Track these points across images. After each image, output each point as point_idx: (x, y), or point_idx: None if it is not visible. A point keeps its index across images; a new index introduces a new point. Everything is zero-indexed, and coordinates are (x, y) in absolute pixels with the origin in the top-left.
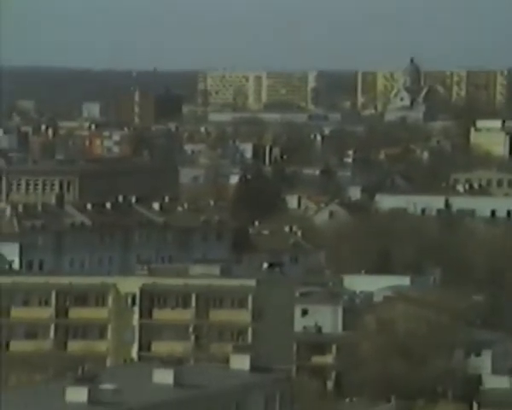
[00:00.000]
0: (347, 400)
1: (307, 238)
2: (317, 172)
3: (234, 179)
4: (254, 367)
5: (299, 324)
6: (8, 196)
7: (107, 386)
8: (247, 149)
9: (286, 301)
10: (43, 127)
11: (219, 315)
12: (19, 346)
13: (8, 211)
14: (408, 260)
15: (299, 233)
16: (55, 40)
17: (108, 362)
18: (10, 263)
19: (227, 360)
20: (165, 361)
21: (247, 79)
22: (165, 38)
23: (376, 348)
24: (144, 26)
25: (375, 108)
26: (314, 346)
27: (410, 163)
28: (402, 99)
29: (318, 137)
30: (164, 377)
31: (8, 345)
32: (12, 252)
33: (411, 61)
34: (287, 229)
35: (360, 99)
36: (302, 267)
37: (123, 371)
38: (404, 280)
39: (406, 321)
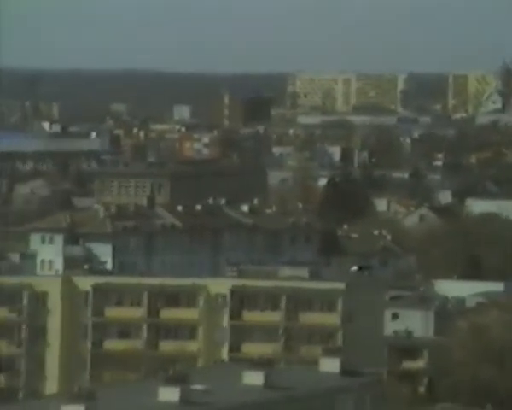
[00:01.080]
0: (439, 406)
1: (397, 242)
2: (407, 176)
3: (322, 182)
4: (344, 370)
5: (390, 328)
6: (100, 197)
7: (198, 386)
8: (336, 152)
9: (376, 305)
10: (135, 130)
11: (309, 318)
12: (112, 345)
13: (102, 212)
14: (499, 265)
15: (389, 237)
16: (148, 43)
17: (199, 363)
18: (104, 264)
19: (316, 363)
20: (256, 363)
21: (336, 82)
22: (256, 40)
23: (470, 353)
24: (235, 27)
25: (466, 111)
26: (405, 350)
27: (501, 167)
28: (494, 102)
29: (408, 140)
30: (254, 378)
31: (101, 344)
32: (105, 253)
33: (504, 63)
34: (376, 232)
35: (451, 102)
36: (392, 271)
37: (213, 371)
38: (498, 286)
39: (500, 328)
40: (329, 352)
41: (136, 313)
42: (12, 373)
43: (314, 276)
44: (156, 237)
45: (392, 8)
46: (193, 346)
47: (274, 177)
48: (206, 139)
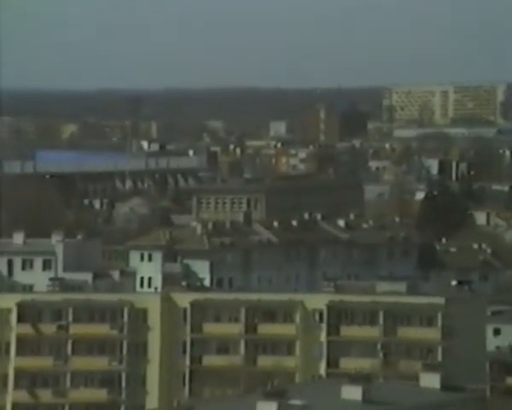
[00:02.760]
0: None
1: (497, 256)
2: (507, 188)
3: (419, 196)
4: (445, 386)
5: (492, 343)
6: (198, 214)
7: (297, 401)
8: (433, 165)
9: (477, 320)
10: (232, 147)
11: (408, 333)
12: (211, 360)
13: (199, 229)
14: None
15: (489, 250)
16: (243, 60)
17: (297, 378)
18: (202, 280)
19: (416, 378)
20: (354, 378)
21: (433, 94)
22: (350, 54)
23: None
24: (328, 42)
25: None
26: (509, 366)
27: None
28: None
29: (507, 152)
30: (352, 393)
31: (200, 359)
32: (203, 269)
33: None
34: (475, 246)
35: None
36: (493, 286)
37: (311, 387)
38: None
39: None
40: (429, 367)
41: (234, 328)
42: (114, 388)
43: (412, 291)
44: (253, 253)
45: (488, 18)
46: (290, 361)
47: (370, 191)
48: (302, 154)
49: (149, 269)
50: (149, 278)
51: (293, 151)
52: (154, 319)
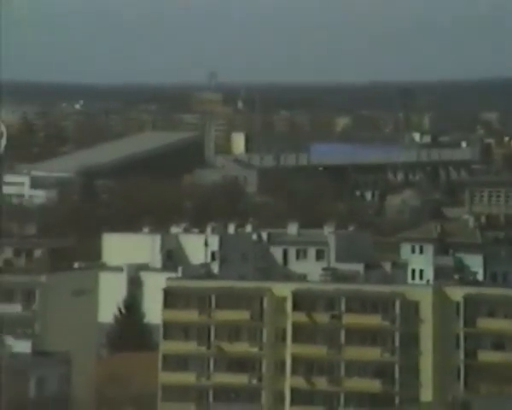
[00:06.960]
0: None
1: None
2: None
3: None
4: None
5: None
6: (470, 207)
7: None
8: None
9: None
10: (506, 138)
11: None
12: (487, 356)
13: (471, 222)
14: None
15: None
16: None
17: None
18: (474, 274)
19: None
20: None
21: None
22: None
23: None
24: None
25: None
26: None
27: None
28: None
29: None
30: None
31: (475, 354)
32: (476, 263)
33: None
34: None
35: None
36: None
37: None
38: None
39: None
40: None
41: (510, 325)
42: (387, 380)
43: None
44: None
45: None
46: None
47: None
48: None
49: (420, 261)
50: (420, 271)
51: None
52: (426, 311)
